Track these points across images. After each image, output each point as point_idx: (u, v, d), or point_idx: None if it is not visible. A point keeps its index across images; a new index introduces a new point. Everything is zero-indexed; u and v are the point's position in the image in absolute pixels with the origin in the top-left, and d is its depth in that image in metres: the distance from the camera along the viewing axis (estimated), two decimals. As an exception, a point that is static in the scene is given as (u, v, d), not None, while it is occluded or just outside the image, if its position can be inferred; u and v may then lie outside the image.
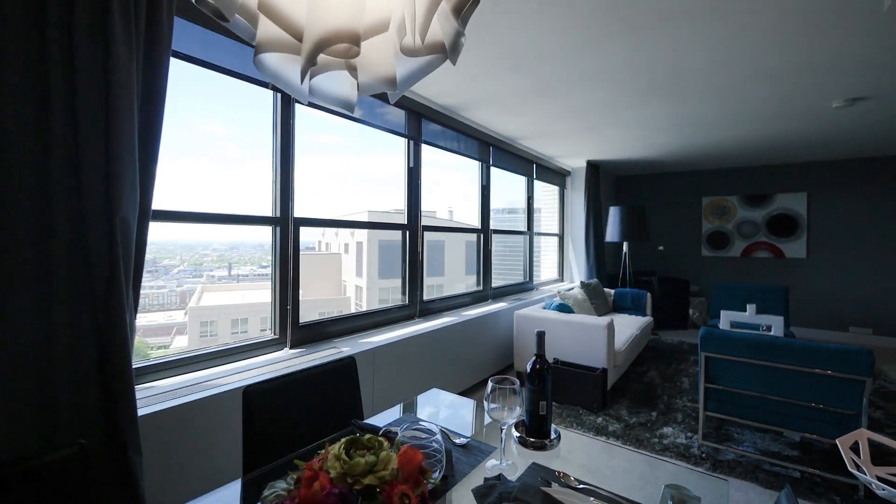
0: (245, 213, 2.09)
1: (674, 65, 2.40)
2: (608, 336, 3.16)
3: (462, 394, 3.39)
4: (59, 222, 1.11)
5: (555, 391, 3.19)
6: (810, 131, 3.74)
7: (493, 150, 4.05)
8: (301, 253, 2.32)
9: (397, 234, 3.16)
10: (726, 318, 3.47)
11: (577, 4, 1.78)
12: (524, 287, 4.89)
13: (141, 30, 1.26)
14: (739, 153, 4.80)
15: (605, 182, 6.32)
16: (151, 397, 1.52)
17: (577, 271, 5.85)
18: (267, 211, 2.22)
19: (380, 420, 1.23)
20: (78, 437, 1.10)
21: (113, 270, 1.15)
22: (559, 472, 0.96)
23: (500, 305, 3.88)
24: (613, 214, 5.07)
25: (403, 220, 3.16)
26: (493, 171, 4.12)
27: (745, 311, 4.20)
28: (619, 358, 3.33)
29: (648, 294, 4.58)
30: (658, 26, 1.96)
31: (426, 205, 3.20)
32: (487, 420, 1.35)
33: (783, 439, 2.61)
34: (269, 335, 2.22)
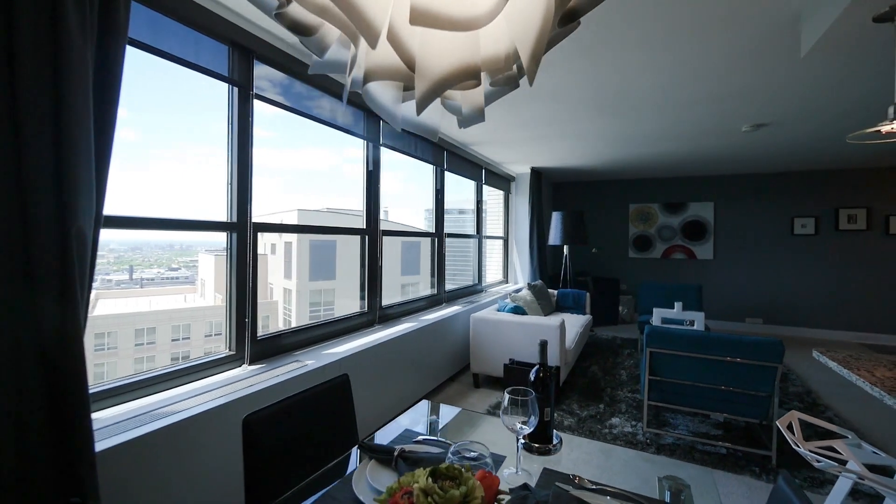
0: (196, 217, 1.89)
1: (623, 86, 2.62)
2: (560, 335, 3.35)
3: (426, 397, 3.38)
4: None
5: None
6: (722, 149, 4.30)
7: (447, 155, 4.09)
8: (216, 253, 2.14)
9: (331, 235, 3.06)
10: (658, 315, 3.86)
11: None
12: (474, 289, 4.99)
13: (94, 10, 1.08)
14: (662, 165, 5.36)
15: (545, 188, 6.68)
16: (98, 430, 1.31)
17: (521, 273, 6.12)
18: (220, 214, 2.03)
19: (379, 437, 1.19)
20: (23, 486, 0.92)
21: (66, 290, 0.98)
22: (573, 476, 1.01)
23: (454, 309, 3.93)
24: (556, 219, 5.38)
25: (361, 223, 3.07)
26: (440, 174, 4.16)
27: (669, 307, 4.70)
28: (569, 356, 3.54)
29: (588, 294, 4.93)
30: (615, 51, 2.13)
31: (355, 204, 3.10)
32: (485, 428, 1.37)
33: (709, 421, 2.97)
34: (223, 351, 2.03)
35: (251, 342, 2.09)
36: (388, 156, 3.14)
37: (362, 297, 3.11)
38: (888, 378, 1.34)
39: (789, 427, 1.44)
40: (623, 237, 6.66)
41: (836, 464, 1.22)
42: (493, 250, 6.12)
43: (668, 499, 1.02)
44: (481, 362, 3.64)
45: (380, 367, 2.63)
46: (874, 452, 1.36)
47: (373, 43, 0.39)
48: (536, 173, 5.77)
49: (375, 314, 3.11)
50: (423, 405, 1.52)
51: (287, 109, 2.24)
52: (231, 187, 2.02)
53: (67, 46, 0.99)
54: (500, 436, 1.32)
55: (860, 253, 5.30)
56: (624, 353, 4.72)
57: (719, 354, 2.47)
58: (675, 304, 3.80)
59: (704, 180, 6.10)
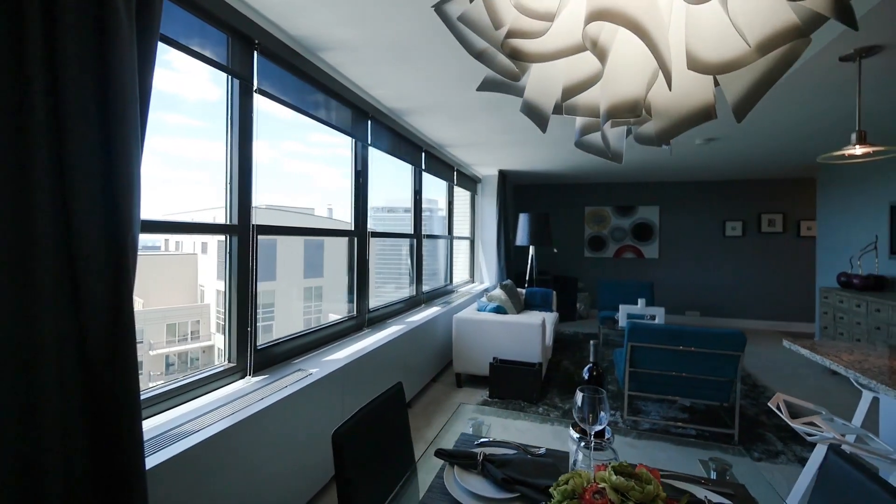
0: (196, 220, 1.74)
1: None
2: (542, 333, 3.50)
3: (414, 399, 3.36)
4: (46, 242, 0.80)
5: (498, 387, 3.40)
6: (674, 159, 4.74)
7: (425, 156, 4.09)
8: (141, 253, 2.01)
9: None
10: (624, 311, 4.16)
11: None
12: (446, 290, 5.04)
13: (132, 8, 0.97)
14: (616, 171, 5.77)
15: (508, 189, 6.90)
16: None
17: (487, 273, 6.26)
18: (219, 216, 1.88)
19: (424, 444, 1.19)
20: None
21: (123, 302, 0.88)
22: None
23: (435, 310, 3.95)
24: (523, 220, 5.58)
25: (349, 226, 2.98)
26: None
27: (624, 303, 5.07)
28: (549, 352, 3.71)
29: (554, 292, 5.18)
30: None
31: (301, 201, 3.02)
32: (519, 425, 1.42)
33: (675, 406, 3.27)
34: (224, 363, 1.88)
35: (252, 352, 1.96)
36: (331, 150, 2.98)
37: (350, 301, 3.03)
38: (854, 361, 1.60)
39: (778, 407, 1.64)
40: (579, 238, 7.06)
41: (832, 436, 1.44)
42: (460, 250, 6.21)
43: (714, 477, 1.13)
44: (464, 362, 3.69)
45: (374, 372, 2.58)
46: (844, 424, 1.61)
47: (638, 112, 0.42)
48: (503, 175, 5.94)
49: (364, 318, 3.04)
50: (467, 408, 1.53)
51: (290, 107, 2.12)
52: (230, 187, 1.88)
53: (116, 32, 0.88)
54: (537, 433, 1.37)
55: (777, 252, 6.11)
56: (588, 347, 5.02)
57: (691, 346, 2.73)
58: (639, 300, 4.13)
59: (651, 186, 6.66)
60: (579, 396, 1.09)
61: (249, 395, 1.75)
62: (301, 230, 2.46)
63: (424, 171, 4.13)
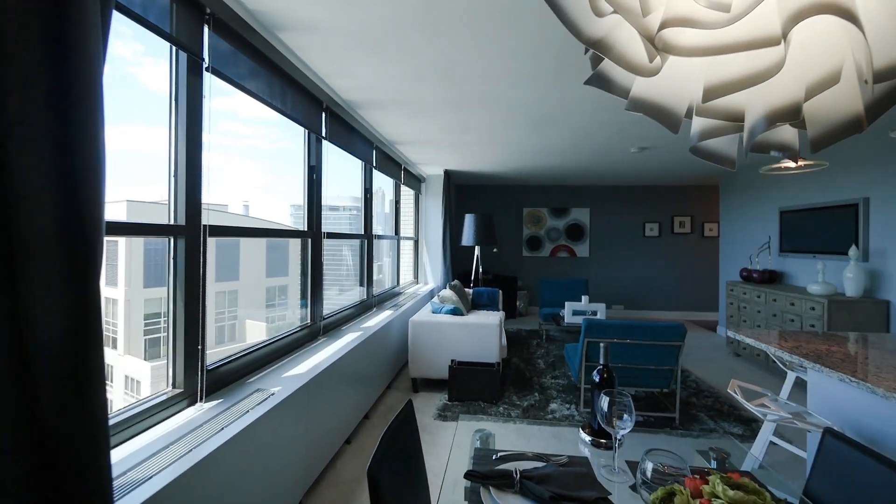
0: (131, 219, 1.44)
1: (557, 106, 2.91)
2: (499, 333, 3.54)
3: (372, 408, 3.18)
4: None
5: (457, 389, 3.37)
6: (608, 164, 5.11)
7: (375, 153, 3.92)
8: None
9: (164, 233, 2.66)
10: (569, 308, 4.39)
11: (518, 43, 1.98)
12: (394, 293, 4.90)
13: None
14: (554, 174, 6.08)
15: (451, 189, 6.92)
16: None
17: (431, 274, 6.22)
18: (160, 215, 1.59)
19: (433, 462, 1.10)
20: None
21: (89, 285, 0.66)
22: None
23: (388, 314, 3.80)
24: (469, 221, 5.62)
25: (302, 225, 2.73)
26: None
27: (563, 300, 5.36)
28: (504, 351, 3.77)
29: (500, 291, 5.29)
30: (576, 73, 2.36)
31: (212, 197, 2.72)
32: (519, 434, 1.39)
33: (620, 395, 3.52)
34: (167, 390, 1.59)
35: (203, 374, 1.68)
36: (245, 142, 2.67)
37: (303, 306, 2.78)
38: (794, 347, 1.83)
39: (735, 391, 1.82)
40: (518, 238, 7.33)
41: (788, 416, 1.62)
42: (404, 251, 6.08)
43: (714, 466, 1.20)
44: (421, 366, 3.60)
45: (336, 385, 2.39)
46: (786, 403, 1.84)
47: (799, 117, 0.39)
48: (448, 175, 5.93)
49: (319, 325, 2.81)
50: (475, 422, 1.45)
51: (247, 92, 1.86)
52: (176, 181, 1.59)
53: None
54: (543, 439, 1.36)
55: (687, 250, 6.91)
56: (533, 343, 5.21)
57: (641, 339, 2.95)
58: (583, 297, 4.38)
59: (584, 189, 7.13)
60: (605, 401, 1.08)
61: (205, 425, 1.50)
62: (257, 231, 2.18)
63: (375, 168, 3.96)
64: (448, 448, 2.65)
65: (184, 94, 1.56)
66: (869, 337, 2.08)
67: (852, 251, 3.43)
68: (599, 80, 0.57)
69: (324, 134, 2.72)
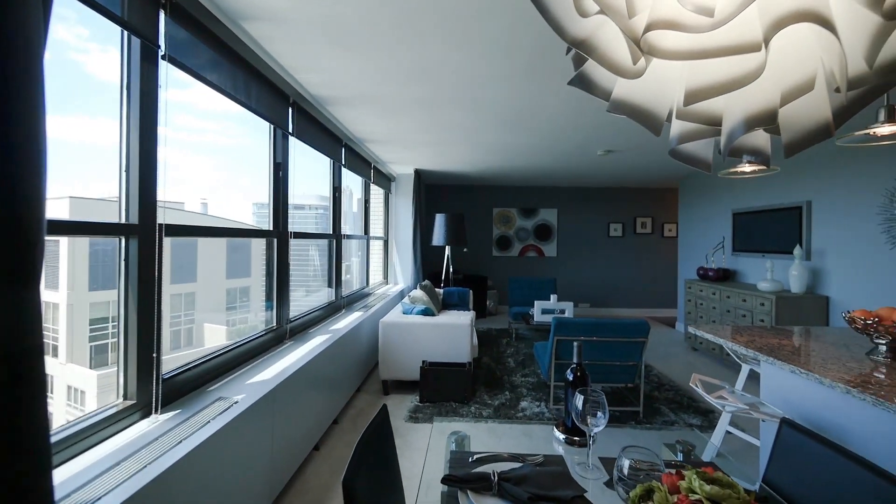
0: (75, 217, 1.32)
1: (532, 108, 2.95)
2: (470, 333, 3.55)
3: (340, 415, 3.11)
4: None
5: (428, 390, 3.35)
6: (580, 167, 5.24)
7: (344, 150, 3.83)
8: None
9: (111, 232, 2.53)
10: (539, 307, 4.46)
11: (490, 43, 1.99)
12: (364, 293, 4.81)
13: None
14: (524, 175, 6.18)
15: (422, 188, 6.89)
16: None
17: (401, 274, 6.16)
18: (109, 213, 1.47)
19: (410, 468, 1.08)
20: None
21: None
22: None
23: (357, 315, 3.72)
24: (439, 221, 5.60)
25: (267, 224, 2.62)
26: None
27: (532, 299, 5.46)
28: (475, 351, 3.78)
29: (471, 291, 5.32)
30: (547, 75, 2.40)
31: (167, 194, 2.54)
32: (497, 434, 1.39)
33: (588, 391, 3.61)
34: (118, 403, 1.48)
35: (158, 384, 1.57)
36: (205, 137, 2.49)
37: (269, 308, 2.67)
38: (748, 341, 1.93)
39: (696, 385, 1.90)
40: (488, 237, 7.39)
41: (745, 406, 1.71)
42: (373, 251, 5.99)
43: (681, 458, 1.25)
44: (392, 368, 3.55)
45: (303, 391, 2.31)
46: (742, 394, 1.94)
47: (774, 122, 0.40)
48: (418, 174, 5.89)
49: (286, 328, 2.71)
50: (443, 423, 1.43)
51: (208, 83, 1.75)
52: (128, 177, 1.48)
53: None
54: (514, 438, 1.37)
55: (648, 250, 7.21)
56: (503, 342, 5.27)
57: (608, 336, 3.04)
58: (552, 296, 4.47)
59: (552, 190, 7.29)
60: (579, 399, 1.09)
61: (161, 439, 1.40)
62: (219, 231, 2.07)
63: (344, 166, 3.86)
64: (420, 450, 2.62)
65: (137, 83, 1.45)
66: (812, 330, 2.24)
67: (796, 251, 3.69)
68: (582, 82, 0.57)
69: (290, 130, 2.62)
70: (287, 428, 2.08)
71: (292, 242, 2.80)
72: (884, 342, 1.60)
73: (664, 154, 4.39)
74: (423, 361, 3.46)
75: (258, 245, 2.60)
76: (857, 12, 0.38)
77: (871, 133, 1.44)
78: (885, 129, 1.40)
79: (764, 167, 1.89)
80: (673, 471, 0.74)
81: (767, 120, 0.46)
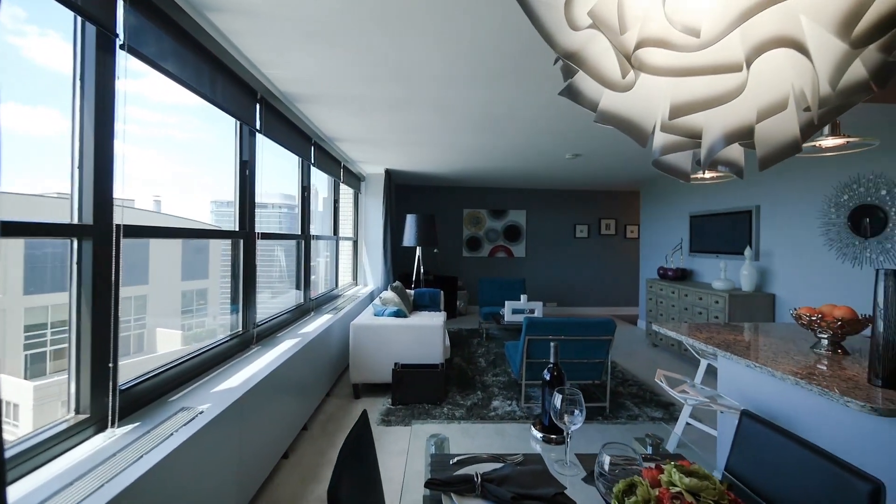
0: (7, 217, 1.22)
1: (505, 111, 3.00)
2: (443, 334, 3.56)
3: (309, 422, 3.03)
4: None
5: (400, 392, 3.32)
6: (549, 170, 5.37)
7: (314, 149, 3.74)
8: None
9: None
10: (509, 307, 4.53)
11: (468, 46, 2.01)
12: (333, 295, 4.71)
13: None
14: (495, 177, 6.26)
15: (392, 189, 6.83)
16: None
17: (371, 275, 6.08)
18: (62, 213, 1.36)
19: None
20: None
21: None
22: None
23: (327, 318, 3.64)
24: (410, 221, 5.58)
25: (230, 224, 2.52)
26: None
27: (502, 299, 5.54)
28: (447, 352, 3.79)
29: (442, 292, 5.33)
30: (524, 79, 2.44)
31: (118, 191, 2.34)
32: (473, 435, 1.40)
33: (557, 388, 3.71)
34: (69, 417, 1.37)
35: (114, 396, 1.47)
36: (158, 130, 2.31)
37: (234, 312, 2.56)
38: (707, 338, 2.05)
39: (661, 380, 2.00)
40: (458, 238, 7.43)
41: (706, 399, 1.81)
42: (343, 252, 5.87)
43: (650, 451, 1.30)
44: (363, 371, 3.50)
45: (272, 397, 2.23)
46: (702, 388, 2.06)
47: (751, 137, 0.43)
48: (388, 174, 5.84)
49: (252, 332, 2.61)
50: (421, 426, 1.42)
51: (171, 76, 1.66)
52: (81, 173, 1.37)
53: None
54: (485, 439, 1.37)
55: (612, 251, 7.50)
56: (473, 342, 5.31)
57: (577, 334, 3.13)
58: (522, 296, 4.55)
59: (520, 192, 7.43)
60: (558, 398, 1.12)
61: (120, 455, 1.31)
62: (182, 231, 1.96)
63: (313, 165, 3.77)
64: (394, 454, 2.60)
65: (92, 73, 1.35)
66: (762, 326, 2.41)
67: (747, 251, 3.96)
68: (570, 92, 0.59)
69: (258, 127, 2.53)
70: (255, 437, 2.00)
71: (259, 243, 2.70)
72: (826, 336, 1.75)
73: (628, 159, 4.59)
74: (396, 363, 3.43)
75: (218, 245, 2.47)
76: (827, 40, 0.42)
77: (817, 145, 1.57)
78: (828, 142, 1.54)
79: (722, 174, 2.02)
80: (652, 465, 0.78)
81: (745, 135, 0.49)
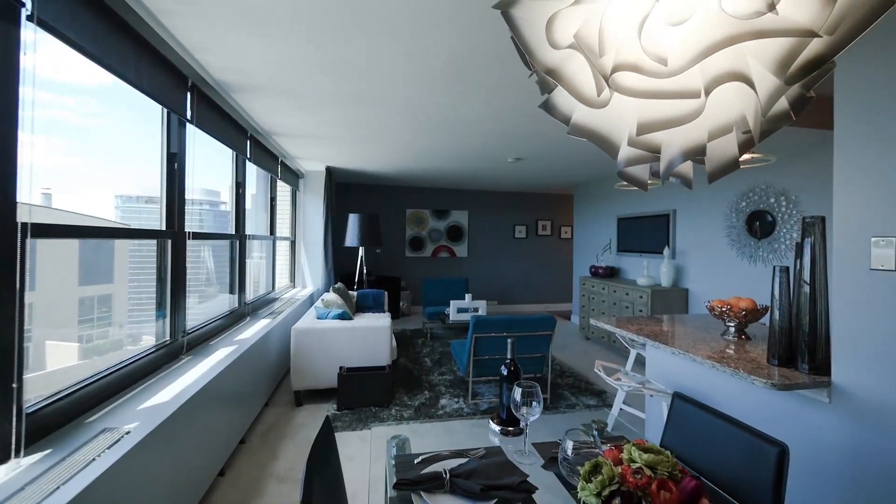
0: None
1: (451, 112, 3.05)
2: (390, 335, 3.53)
3: (249, 430, 2.84)
4: None
5: (347, 397, 3.24)
6: (491, 172, 5.53)
7: (250, 143, 3.51)
8: None
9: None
10: (454, 306, 4.61)
11: (419, 46, 2.03)
12: (270, 298, 4.46)
13: None
14: (438, 178, 6.32)
15: (333, 187, 6.60)
16: None
17: (310, 276, 5.84)
18: (-55, 208, 1.15)
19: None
20: None
21: None
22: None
23: (265, 322, 3.44)
24: (353, 221, 5.44)
25: (160, 224, 2.29)
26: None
27: (447, 299, 5.63)
28: (395, 353, 3.76)
29: (386, 293, 5.27)
30: (473, 83, 2.50)
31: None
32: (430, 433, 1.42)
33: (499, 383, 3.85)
34: (-40, 448, 1.17)
35: (21, 419, 1.28)
36: (48, 112, 2.02)
37: (159, 318, 2.33)
38: (637, 329, 2.27)
39: (600, 370, 2.17)
40: (401, 238, 7.39)
41: (638, 385, 1.99)
42: (280, 252, 5.57)
43: (596, 434, 1.42)
44: (305, 377, 3.36)
45: (207, 411, 2.07)
46: (634, 375, 2.26)
47: (703, 155, 0.50)
48: (329, 172, 5.65)
49: (182, 341, 2.40)
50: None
51: (86, 54, 1.46)
52: (-26, 161, 1.17)
53: None
54: (433, 438, 1.39)
55: (548, 251, 7.93)
56: (418, 342, 5.32)
57: (522, 330, 3.28)
58: (466, 295, 4.65)
59: (463, 193, 7.57)
60: (517, 391, 1.17)
61: (29, 489, 1.14)
62: (101, 231, 1.72)
63: (249, 159, 3.54)
64: (344, 459, 2.53)
65: (-11, 46, 1.16)
66: (681, 318, 2.71)
67: (665, 251, 4.41)
68: (547, 106, 0.63)
69: (189, 116, 2.32)
70: (188, 454, 1.85)
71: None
72: (733, 325, 2.02)
73: (565, 163, 4.89)
74: (341, 367, 3.34)
75: (125, 245, 2.18)
76: (766, 76, 0.49)
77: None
78: (743, 157, 1.78)
79: (656, 182, 2.24)
80: (612, 446, 0.85)
81: (699, 152, 0.56)
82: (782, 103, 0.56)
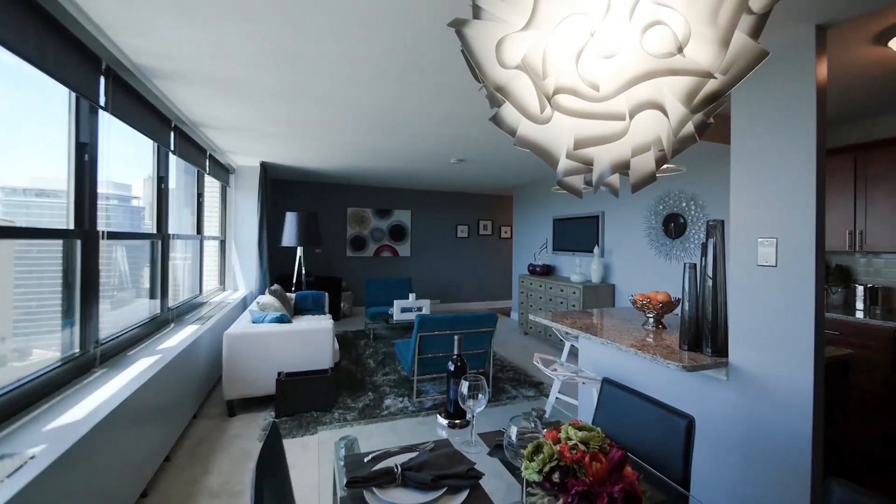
0: None
1: (398, 110, 3.06)
2: (332, 339, 3.44)
3: (178, 443, 2.62)
4: None
5: (286, 403, 3.12)
6: (434, 172, 5.58)
7: (174, 134, 3.23)
8: None
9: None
10: (398, 306, 4.60)
11: (366, 45, 2.03)
12: (197, 303, 4.14)
13: None
14: (380, 177, 6.25)
15: (269, 184, 6.26)
16: None
17: (242, 278, 5.51)
18: None
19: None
20: None
21: None
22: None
23: (191, 329, 3.20)
24: (291, 220, 5.21)
25: (66, 222, 2.04)
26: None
27: (390, 298, 5.62)
28: (337, 355, 3.67)
29: (327, 294, 5.13)
30: (417, 84, 2.52)
31: None
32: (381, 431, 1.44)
33: (444, 380, 3.93)
34: None
35: None
36: None
37: (66, 327, 2.08)
38: (571, 323, 2.45)
39: (538, 362, 2.31)
40: (342, 237, 7.21)
41: (572, 374, 2.15)
42: (207, 253, 5.17)
43: (538, 422, 1.52)
44: (239, 385, 3.18)
45: (127, 429, 1.89)
46: (569, 365, 2.44)
47: (627, 169, 0.58)
48: (264, 168, 5.36)
49: (95, 353, 2.16)
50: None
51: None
52: None
53: None
54: (379, 438, 1.40)
55: (489, 250, 8.18)
56: (360, 343, 5.24)
57: (466, 328, 3.37)
58: (410, 294, 4.67)
59: (406, 192, 7.56)
60: (465, 385, 1.23)
61: None
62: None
63: (173, 152, 3.25)
64: (290, 466, 2.43)
65: None
66: (608, 310, 2.97)
67: (595, 250, 4.78)
68: (496, 119, 0.68)
69: (103, 102, 2.09)
70: (105, 477, 1.68)
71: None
72: (652, 316, 2.26)
73: (505, 165, 5.09)
74: (280, 373, 3.21)
75: (8, 246, 1.89)
76: (676, 105, 0.59)
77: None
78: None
79: (589, 189, 2.44)
80: (551, 428, 0.94)
81: (624, 167, 0.65)
82: (689, 127, 0.66)
